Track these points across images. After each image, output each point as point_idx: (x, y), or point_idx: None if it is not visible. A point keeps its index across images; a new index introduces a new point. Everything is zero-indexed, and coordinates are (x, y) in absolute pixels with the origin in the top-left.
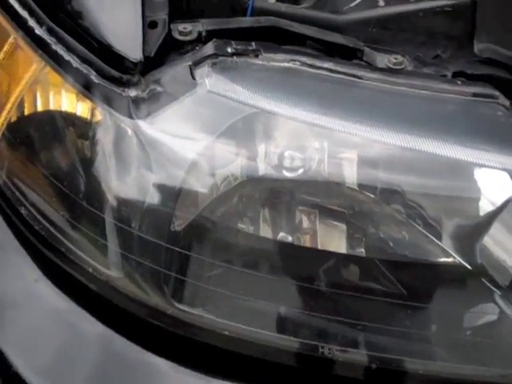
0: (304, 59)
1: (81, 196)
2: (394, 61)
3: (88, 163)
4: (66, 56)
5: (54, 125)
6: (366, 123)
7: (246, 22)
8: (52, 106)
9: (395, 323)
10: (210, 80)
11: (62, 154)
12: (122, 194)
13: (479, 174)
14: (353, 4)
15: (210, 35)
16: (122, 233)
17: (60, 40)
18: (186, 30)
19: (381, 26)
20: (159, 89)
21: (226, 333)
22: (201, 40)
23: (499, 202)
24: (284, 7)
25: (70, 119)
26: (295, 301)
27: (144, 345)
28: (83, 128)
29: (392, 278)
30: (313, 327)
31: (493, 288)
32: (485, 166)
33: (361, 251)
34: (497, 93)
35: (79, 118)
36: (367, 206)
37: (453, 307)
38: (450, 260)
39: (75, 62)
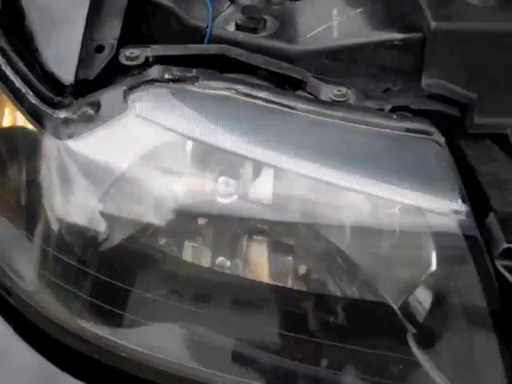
0: (240, 88)
1: (9, 209)
2: (337, 93)
3: (18, 180)
4: (12, 76)
5: None
6: (287, 154)
7: (196, 48)
8: None
9: (322, 361)
10: (140, 104)
11: None
12: (44, 212)
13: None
14: (309, 35)
15: (158, 61)
16: (39, 248)
17: (9, 61)
18: (133, 54)
19: (333, 57)
20: (91, 111)
21: (124, 354)
22: (148, 65)
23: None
24: (241, 36)
25: (10, 138)
26: (197, 326)
27: (52, 360)
28: (20, 147)
29: (323, 315)
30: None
31: (409, 328)
32: (402, 203)
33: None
34: (432, 129)
35: (18, 137)
36: (302, 237)
37: (374, 347)
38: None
39: (17, 83)
